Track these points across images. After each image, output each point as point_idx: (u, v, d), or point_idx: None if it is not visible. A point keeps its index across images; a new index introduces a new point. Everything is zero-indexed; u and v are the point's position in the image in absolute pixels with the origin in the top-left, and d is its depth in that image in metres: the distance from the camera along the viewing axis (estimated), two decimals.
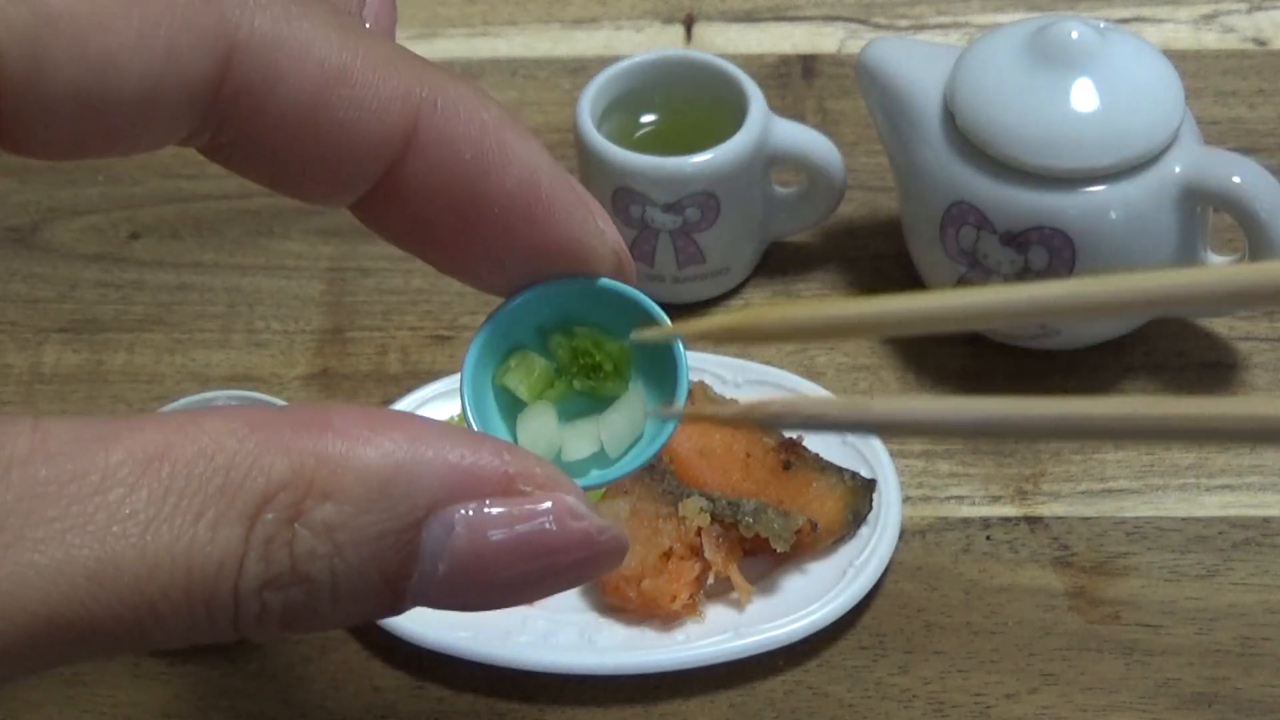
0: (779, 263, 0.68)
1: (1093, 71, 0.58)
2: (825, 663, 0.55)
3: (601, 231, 0.33)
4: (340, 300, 0.67)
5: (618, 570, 0.53)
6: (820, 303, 0.31)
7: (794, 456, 0.56)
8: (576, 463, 0.33)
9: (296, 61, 0.30)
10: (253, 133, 0.30)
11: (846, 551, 0.56)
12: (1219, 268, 0.25)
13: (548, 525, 0.28)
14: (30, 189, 0.72)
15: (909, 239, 0.64)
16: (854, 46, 0.76)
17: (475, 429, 0.33)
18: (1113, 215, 0.58)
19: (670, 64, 0.66)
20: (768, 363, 0.61)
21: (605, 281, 0.34)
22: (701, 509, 0.54)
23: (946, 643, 0.55)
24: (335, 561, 0.27)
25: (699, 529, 0.54)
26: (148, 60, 0.28)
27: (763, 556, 0.55)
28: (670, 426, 0.33)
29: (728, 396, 0.58)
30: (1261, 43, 0.76)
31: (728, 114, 0.64)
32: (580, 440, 0.33)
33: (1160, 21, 0.78)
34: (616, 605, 0.55)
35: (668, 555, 0.54)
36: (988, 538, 0.58)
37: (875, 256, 0.68)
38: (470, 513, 0.28)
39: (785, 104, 0.74)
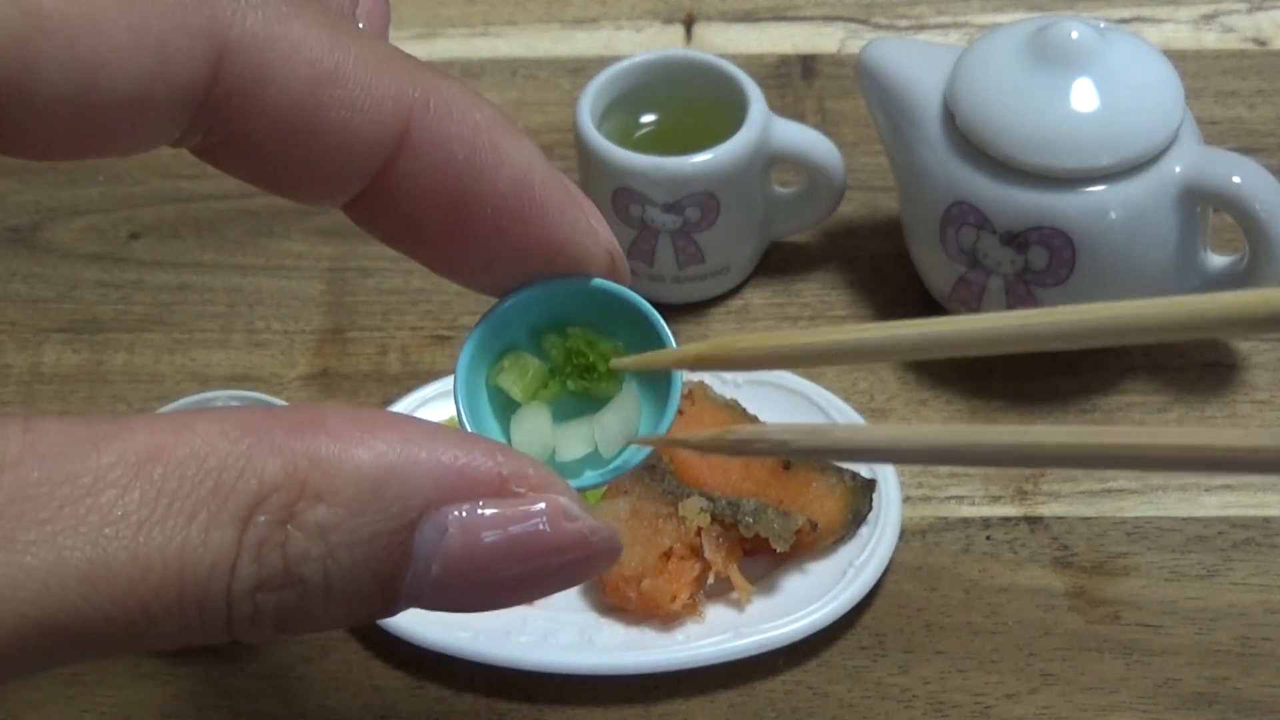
0: (779, 263, 0.68)
1: (1093, 71, 0.58)
2: (825, 663, 0.55)
3: (595, 231, 0.33)
4: (340, 300, 0.67)
5: (618, 570, 0.53)
6: (791, 334, 0.31)
7: None
8: (570, 463, 0.33)
9: (288, 62, 0.30)
10: (245, 133, 0.30)
11: (846, 551, 0.56)
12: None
13: (541, 526, 0.28)
14: (30, 189, 0.72)
15: (909, 239, 0.64)
16: (854, 46, 0.76)
17: (469, 430, 0.33)
18: (1113, 215, 0.58)
19: (670, 64, 0.66)
20: None
21: (599, 282, 0.33)
22: (701, 509, 0.54)
23: (946, 643, 0.55)
24: (328, 563, 0.27)
25: (699, 529, 0.54)
26: (139, 61, 0.28)
27: (763, 556, 0.55)
28: (667, 426, 0.33)
29: (728, 396, 0.58)
30: (1261, 43, 0.76)
31: (728, 114, 0.64)
32: (574, 441, 0.33)
33: (1160, 21, 0.78)
34: (616, 605, 0.55)
35: (668, 555, 0.54)
36: (988, 538, 0.58)
37: (875, 256, 0.68)
38: (463, 514, 0.28)
39: (785, 104, 0.74)
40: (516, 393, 0.34)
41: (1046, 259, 0.59)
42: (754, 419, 0.58)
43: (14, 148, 0.28)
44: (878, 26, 0.79)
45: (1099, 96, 0.58)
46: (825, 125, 0.73)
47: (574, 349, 0.34)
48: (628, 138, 0.65)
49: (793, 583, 0.55)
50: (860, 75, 0.63)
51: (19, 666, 0.25)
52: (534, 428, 0.33)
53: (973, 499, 0.59)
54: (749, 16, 0.80)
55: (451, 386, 0.33)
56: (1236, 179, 0.57)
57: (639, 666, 0.54)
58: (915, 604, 0.56)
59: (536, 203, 0.32)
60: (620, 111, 0.66)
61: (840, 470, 0.56)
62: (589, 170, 0.64)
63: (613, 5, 0.80)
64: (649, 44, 0.78)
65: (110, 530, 0.25)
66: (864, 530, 0.56)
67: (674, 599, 0.54)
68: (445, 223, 0.32)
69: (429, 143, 0.31)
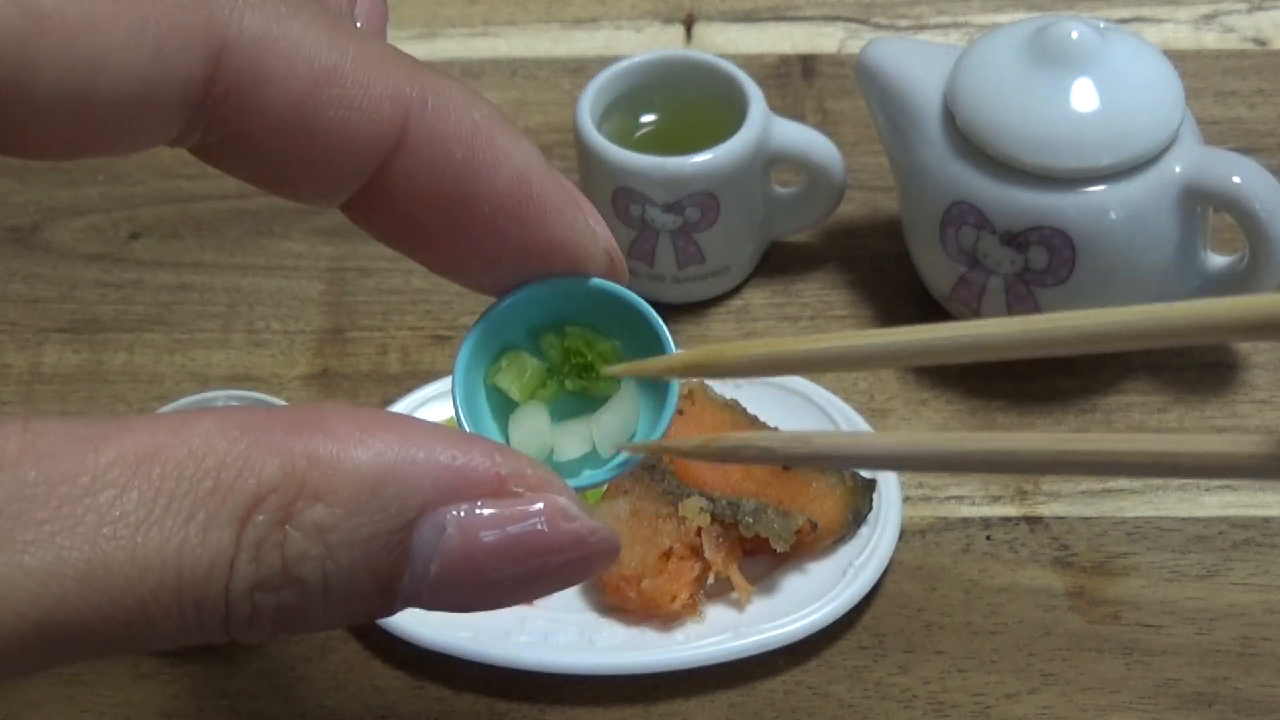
0: (779, 263, 0.68)
1: (1093, 71, 0.58)
2: (825, 663, 0.55)
3: (593, 231, 0.33)
4: (340, 300, 0.67)
5: (618, 570, 0.53)
6: (781, 341, 0.31)
7: None
8: (569, 463, 0.33)
9: (286, 61, 0.30)
10: (243, 132, 0.30)
11: (846, 551, 0.56)
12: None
13: (539, 526, 0.28)
14: (30, 189, 0.72)
15: (909, 239, 0.64)
16: (854, 46, 0.76)
17: (467, 430, 0.33)
18: (1113, 215, 0.58)
19: (670, 64, 0.66)
20: None
21: (597, 281, 0.33)
22: (701, 509, 0.54)
23: (946, 643, 0.55)
24: (326, 563, 0.27)
25: (699, 529, 0.54)
26: (137, 60, 0.28)
27: (763, 556, 0.55)
28: (665, 426, 0.33)
29: (728, 396, 0.58)
30: (1261, 43, 0.76)
31: (728, 114, 0.64)
32: (572, 440, 0.33)
33: (1160, 21, 0.78)
34: (616, 605, 0.55)
35: (668, 555, 0.54)
36: (988, 538, 0.58)
37: (875, 256, 0.68)
38: (462, 514, 0.28)
39: (785, 104, 0.74)
40: (515, 392, 0.34)
41: (1046, 259, 0.59)
42: (754, 419, 0.58)
43: (13, 147, 0.28)
44: (878, 26, 0.79)
45: (1099, 96, 0.58)
46: (825, 125, 0.73)
47: (572, 349, 0.34)
48: (628, 138, 0.65)
49: (793, 583, 0.55)
50: (860, 75, 0.63)
51: (18, 666, 0.25)
52: (532, 427, 0.33)
53: (973, 499, 0.59)
54: (749, 16, 0.80)
55: (450, 386, 0.33)
56: (1236, 179, 0.57)
57: (639, 666, 0.54)
58: (915, 604, 0.56)
59: (534, 202, 0.32)
60: (620, 111, 0.66)
61: (840, 470, 0.56)
62: (589, 170, 0.64)
63: (613, 5, 0.80)
64: (649, 44, 0.78)
65: (108, 530, 0.25)
66: (864, 530, 0.56)
67: (674, 599, 0.54)
68: (443, 222, 0.32)
69: (427, 142, 0.31)
